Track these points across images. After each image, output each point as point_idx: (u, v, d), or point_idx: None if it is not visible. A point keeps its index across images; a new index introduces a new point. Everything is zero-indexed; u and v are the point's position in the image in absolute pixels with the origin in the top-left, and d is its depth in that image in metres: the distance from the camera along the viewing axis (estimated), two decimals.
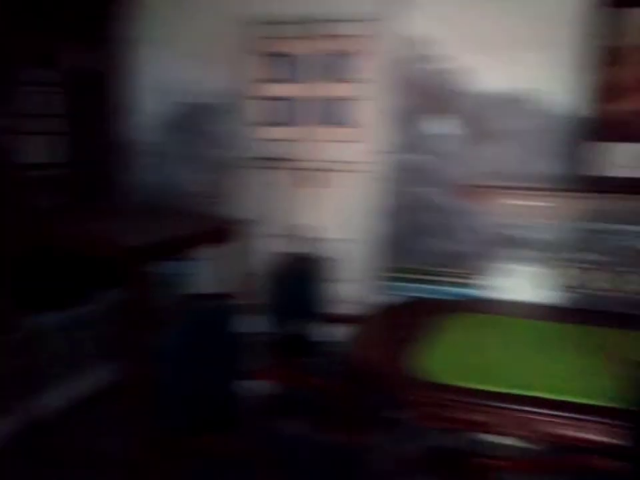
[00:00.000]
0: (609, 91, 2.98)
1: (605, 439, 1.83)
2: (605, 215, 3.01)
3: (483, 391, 2.05)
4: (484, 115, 3.25)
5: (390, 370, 2.21)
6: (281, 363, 2.71)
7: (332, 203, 3.67)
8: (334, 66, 3.59)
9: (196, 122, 3.88)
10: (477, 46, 3.19)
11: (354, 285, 3.60)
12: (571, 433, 1.92)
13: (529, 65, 3.12)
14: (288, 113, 3.71)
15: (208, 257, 3.69)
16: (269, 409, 2.70)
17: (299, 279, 3.01)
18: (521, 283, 3.20)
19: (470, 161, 3.30)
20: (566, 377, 2.16)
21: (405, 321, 2.78)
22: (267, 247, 3.72)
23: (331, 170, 3.64)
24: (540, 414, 1.95)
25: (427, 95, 3.34)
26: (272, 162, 3.77)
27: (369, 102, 3.51)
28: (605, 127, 2.99)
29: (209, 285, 3.75)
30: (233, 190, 3.82)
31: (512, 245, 3.21)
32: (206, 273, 3.78)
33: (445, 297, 3.33)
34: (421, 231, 3.43)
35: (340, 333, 2.91)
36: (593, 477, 1.99)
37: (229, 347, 2.33)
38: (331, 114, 3.63)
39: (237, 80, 3.74)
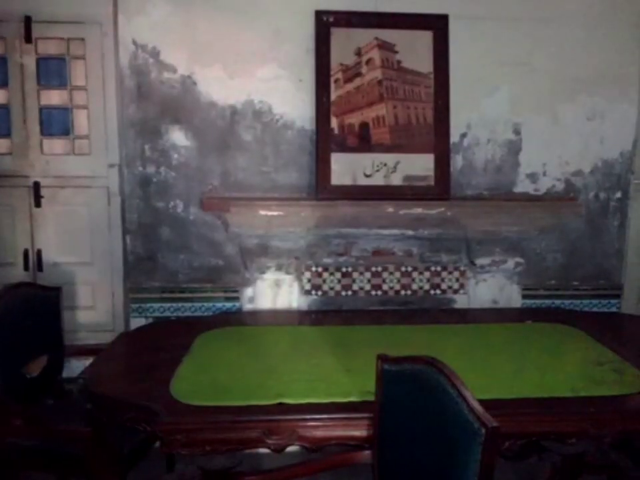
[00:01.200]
0: (329, 105, 3.21)
1: (363, 433, 1.93)
2: (341, 221, 3.23)
3: (243, 407, 2.01)
4: (221, 126, 3.24)
5: (138, 400, 2.03)
6: (16, 410, 2.31)
7: (59, 222, 3.26)
8: (52, 71, 3.22)
9: None
10: (210, 58, 3.18)
11: (96, 311, 3.28)
12: (335, 432, 1.97)
13: (263, 79, 3.21)
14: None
15: None
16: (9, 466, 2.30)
17: (28, 311, 2.61)
18: (273, 291, 3.27)
19: (211, 172, 3.26)
20: (326, 378, 2.22)
21: (153, 344, 2.61)
22: None
23: (57, 186, 3.24)
24: (304, 419, 1.97)
25: (159, 104, 3.21)
26: None
27: (96, 111, 3.23)
28: (330, 138, 3.21)
29: None
30: None
31: (260, 255, 3.25)
32: None
33: (198, 314, 3.24)
34: (166, 247, 3.28)
35: (85, 366, 2.61)
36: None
37: None
38: (51, 124, 3.25)
39: None
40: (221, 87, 3.21)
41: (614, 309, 3.49)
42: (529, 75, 3.33)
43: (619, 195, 3.47)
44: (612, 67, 3.36)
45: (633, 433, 2.04)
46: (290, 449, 2.01)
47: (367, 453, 1.93)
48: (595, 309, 3.46)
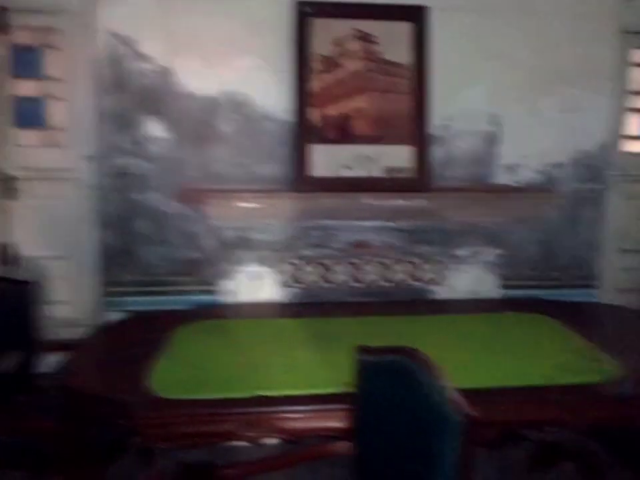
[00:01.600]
0: (308, 97, 3.19)
1: (342, 425, 1.93)
2: (321, 213, 3.22)
3: (221, 400, 1.99)
4: (199, 118, 3.21)
5: (115, 395, 2.01)
6: None
7: (34, 215, 3.21)
8: (26, 61, 3.16)
9: None
10: (188, 48, 3.14)
11: (72, 305, 3.24)
12: (314, 424, 1.97)
13: (242, 69, 3.18)
14: None
15: None
16: None
17: (2, 306, 2.56)
18: (252, 284, 3.24)
19: (189, 164, 3.22)
20: (305, 370, 2.21)
21: (130, 338, 2.57)
22: None
23: (32, 179, 3.18)
24: (282, 411, 1.97)
25: (136, 95, 3.16)
26: None
27: (71, 102, 3.18)
28: (309, 130, 3.19)
29: None
30: None
31: (239, 247, 3.23)
32: None
33: (175, 307, 3.19)
34: (143, 240, 3.24)
35: (60, 361, 2.57)
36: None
37: None
38: (25, 115, 3.19)
39: None
40: (199, 78, 3.17)
41: (592, 299, 3.53)
42: (509, 67, 3.33)
43: (597, 186, 3.50)
44: (591, 60, 3.38)
45: (608, 420, 2.06)
46: (269, 441, 2.01)
47: (346, 444, 1.93)
48: (573, 299, 3.48)
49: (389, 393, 1.76)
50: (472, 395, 1.62)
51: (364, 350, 1.85)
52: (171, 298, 3.25)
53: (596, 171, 3.49)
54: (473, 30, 3.29)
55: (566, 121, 3.41)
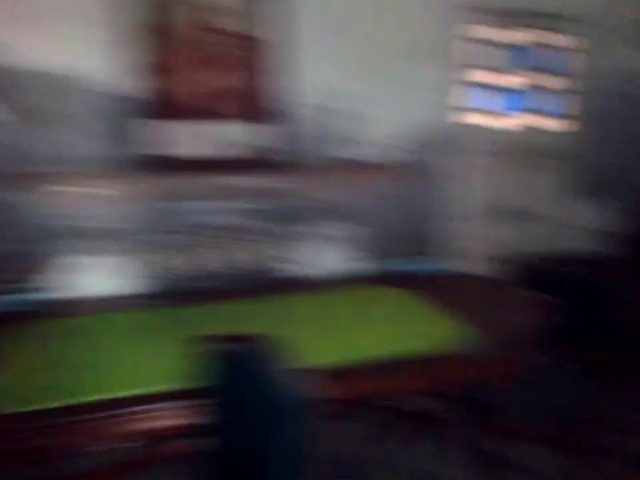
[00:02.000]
0: (160, 69, 2.99)
1: (187, 422, 1.83)
2: (171, 195, 3.05)
3: (53, 409, 1.81)
4: (23, 95, 2.87)
5: None
6: None
7: None
8: None
9: None
10: (20, 19, 2.80)
11: None
12: (157, 424, 1.85)
13: (83, 43, 2.88)
14: None
15: None
16: None
17: None
18: (95, 277, 2.98)
19: (19, 146, 2.88)
20: (146, 367, 2.07)
21: None
22: None
23: None
24: (122, 414, 1.82)
25: None
26: None
27: None
28: (159, 105, 3.00)
29: None
30: None
31: (79, 237, 2.94)
32: None
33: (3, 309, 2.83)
34: None
35: None
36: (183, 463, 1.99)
37: None
38: None
39: None
40: (33, 52, 2.82)
41: (444, 269, 3.66)
42: (368, 42, 3.35)
43: (448, 160, 3.65)
44: (431, 36, 3.49)
45: (460, 384, 2.14)
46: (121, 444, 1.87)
47: (201, 440, 1.84)
48: (427, 270, 3.61)
49: (240, 381, 1.70)
50: (327, 371, 1.61)
51: (212, 339, 1.76)
52: None
53: (449, 145, 3.63)
54: (334, 5, 3.25)
55: (421, 97, 3.49)
